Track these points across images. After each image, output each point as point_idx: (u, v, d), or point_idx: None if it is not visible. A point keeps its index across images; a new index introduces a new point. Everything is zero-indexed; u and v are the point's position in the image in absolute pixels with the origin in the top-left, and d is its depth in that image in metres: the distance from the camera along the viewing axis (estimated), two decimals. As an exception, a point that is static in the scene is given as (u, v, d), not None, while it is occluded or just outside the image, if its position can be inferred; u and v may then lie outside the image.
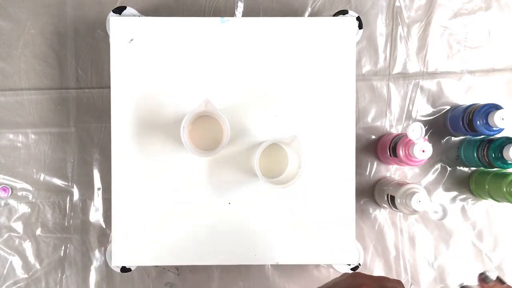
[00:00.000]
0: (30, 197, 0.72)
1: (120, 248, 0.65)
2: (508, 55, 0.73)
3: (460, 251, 0.73)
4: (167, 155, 0.65)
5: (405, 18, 0.73)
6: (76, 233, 0.72)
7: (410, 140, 0.60)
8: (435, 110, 0.73)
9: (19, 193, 0.72)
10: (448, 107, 0.73)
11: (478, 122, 0.63)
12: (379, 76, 0.73)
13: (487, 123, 0.63)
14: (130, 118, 0.64)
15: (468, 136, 0.71)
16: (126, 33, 0.64)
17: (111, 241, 0.65)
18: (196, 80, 0.65)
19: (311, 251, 0.66)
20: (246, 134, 0.65)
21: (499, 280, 0.56)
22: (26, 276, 0.72)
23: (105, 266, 0.72)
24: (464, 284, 0.57)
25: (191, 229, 0.65)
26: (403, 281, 0.73)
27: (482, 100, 0.69)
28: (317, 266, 0.73)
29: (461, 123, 0.67)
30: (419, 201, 0.59)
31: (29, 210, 0.72)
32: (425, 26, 0.73)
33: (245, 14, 0.72)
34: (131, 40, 0.64)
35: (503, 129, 0.63)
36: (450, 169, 0.73)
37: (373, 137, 0.73)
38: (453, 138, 0.73)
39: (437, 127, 0.73)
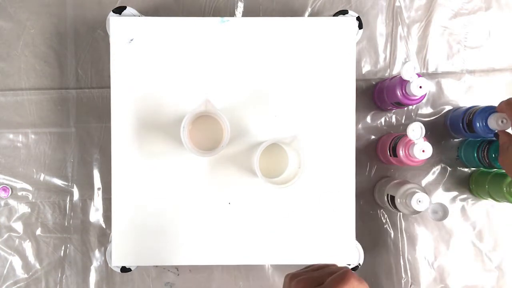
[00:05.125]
0: (30, 197, 0.72)
1: (120, 248, 0.65)
2: (508, 55, 0.73)
3: (460, 251, 0.73)
4: (167, 155, 0.65)
5: (405, 18, 0.73)
6: (76, 233, 0.72)
7: (410, 140, 0.60)
8: (435, 110, 0.73)
9: (19, 193, 0.72)
10: (448, 107, 0.73)
11: (477, 124, 0.63)
12: (379, 76, 0.73)
13: (486, 125, 0.62)
14: (130, 118, 0.64)
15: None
16: (126, 33, 0.64)
17: (111, 241, 0.65)
18: (196, 80, 0.65)
19: (311, 251, 0.66)
20: (246, 134, 0.65)
21: None
22: (26, 276, 0.72)
23: (105, 266, 0.72)
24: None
25: (191, 229, 0.65)
26: (403, 281, 0.73)
27: (482, 101, 0.69)
28: (317, 266, 0.73)
29: (461, 125, 0.67)
30: (419, 201, 0.59)
31: (29, 210, 0.72)
32: (425, 26, 0.73)
33: (245, 14, 0.72)
34: (131, 40, 0.64)
35: None
36: (450, 169, 0.73)
37: (373, 137, 0.73)
38: (453, 138, 0.73)
39: (437, 127, 0.73)
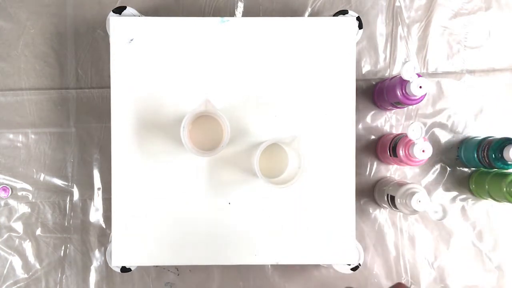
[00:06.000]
0: (30, 197, 0.72)
1: (120, 248, 0.65)
2: (508, 55, 0.73)
3: (460, 251, 0.73)
4: (167, 155, 0.65)
5: (405, 18, 0.73)
6: (76, 233, 0.72)
7: (410, 140, 0.60)
8: (435, 110, 0.73)
9: (19, 193, 0.72)
10: (448, 110, 0.73)
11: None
12: (379, 76, 0.73)
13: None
14: (130, 118, 0.64)
15: (468, 137, 0.72)
16: (126, 33, 0.64)
17: (111, 241, 0.65)
18: (196, 80, 0.65)
19: (311, 251, 0.66)
20: (246, 134, 0.65)
21: None
22: (26, 276, 0.72)
23: (105, 266, 0.72)
24: None
25: (191, 229, 0.65)
26: (403, 281, 0.73)
27: (482, 101, 0.69)
28: (317, 266, 0.73)
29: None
30: (419, 201, 0.59)
31: (29, 210, 0.72)
32: (425, 26, 0.73)
33: (245, 14, 0.72)
34: (131, 40, 0.64)
35: None
36: (450, 169, 0.73)
37: (373, 137, 0.73)
38: (453, 138, 0.73)
39: (437, 127, 0.73)
